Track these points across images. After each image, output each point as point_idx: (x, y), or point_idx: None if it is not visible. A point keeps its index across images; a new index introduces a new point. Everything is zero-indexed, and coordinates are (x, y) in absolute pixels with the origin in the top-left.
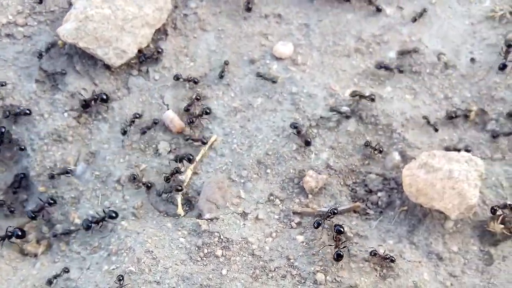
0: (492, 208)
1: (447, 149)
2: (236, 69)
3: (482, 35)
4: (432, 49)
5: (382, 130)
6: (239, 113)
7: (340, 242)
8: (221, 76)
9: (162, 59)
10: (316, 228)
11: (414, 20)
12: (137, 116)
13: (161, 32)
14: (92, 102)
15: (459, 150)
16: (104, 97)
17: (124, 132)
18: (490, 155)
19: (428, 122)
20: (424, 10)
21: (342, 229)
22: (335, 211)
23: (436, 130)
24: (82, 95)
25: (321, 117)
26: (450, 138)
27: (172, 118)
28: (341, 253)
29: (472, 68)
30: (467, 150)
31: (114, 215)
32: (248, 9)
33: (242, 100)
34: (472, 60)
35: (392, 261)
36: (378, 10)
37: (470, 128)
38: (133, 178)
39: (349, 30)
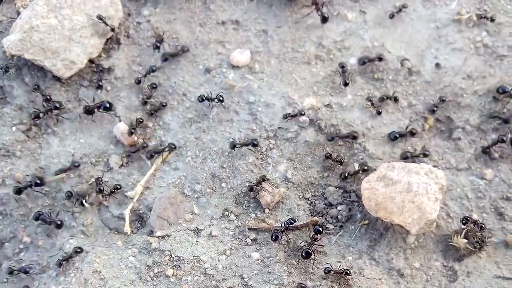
0: (463, 218)
1: (403, 155)
2: (191, 78)
3: (448, 39)
4: (395, 54)
5: (342, 141)
6: (194, 124)
7: (315, 242)
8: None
9: (114, 69)
10: (274, 240)
11: (392, 16)
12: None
13: (113, 41)
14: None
15: (418, 156)
16: (107, 105)
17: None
18: (455, 165)
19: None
20: (404, 6)
21: (321, 230)
22: (292, 221)
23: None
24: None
25: (279, 127)
26: (414, 148)
27: (123, 130)
28: (310, 252)
29: (437, 73)
30: (425, 155)
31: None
32: None
33: (197, 111)
34: (437, 65)
35: (347, 273)
36: (324, 19)
37: (435, 136)
38: (68, 196)
39: (309, 36)
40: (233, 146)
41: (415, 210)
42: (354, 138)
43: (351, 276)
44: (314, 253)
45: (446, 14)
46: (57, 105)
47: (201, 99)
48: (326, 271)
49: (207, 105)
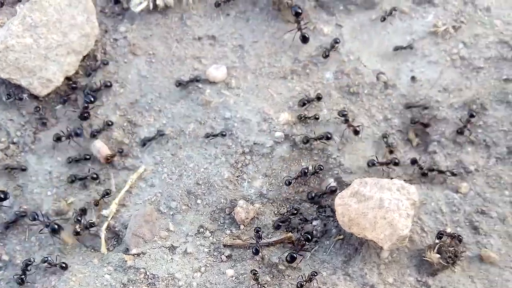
0: (439, 232)
1: (370, 162)
2: (168, 94)
3: (424, 52)
4: (371, 68)
5: (317, 155)
6: (170, 141)
7: (300, 247)
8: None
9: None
10: (255, 254)
11: (383, 19)
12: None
13: (90, 58)
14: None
15: (388, 163)
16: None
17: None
18: (430, 179)
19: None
20: (394, 9)
21: (310, 237)
22: (259, 229)
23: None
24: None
25: (254, 143)
26: (389, 162)
27: (100, 148)
28: (295, 256)
29: (413, 87)
30: (396, 164)
31: None
32: None
33: (174, 127)
34: (413, 78)
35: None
36: (304, 39)
37: (410, 150)
38: (33, 219)
39: (286, 50)
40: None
41: (387, 226)
42: (328, 138)
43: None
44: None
45: (422, 26)
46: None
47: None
48: (298, 286)
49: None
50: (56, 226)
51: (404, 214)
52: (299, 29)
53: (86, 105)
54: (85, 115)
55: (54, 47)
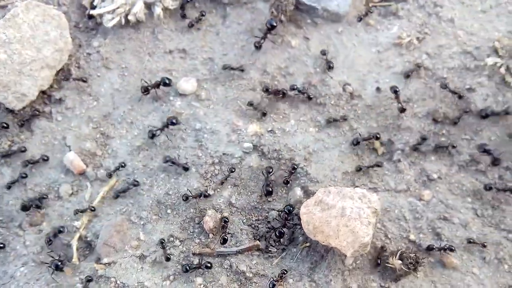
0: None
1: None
2: (140, 106)
3: (389, 63)
4: (337, 79)
5: (285, 165)
6: (142, 152)
7: (286, 222)
8: (109, 175)
9: (65, 99)
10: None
11: (360, 19)
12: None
13: (64, 72)
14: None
15: (373, 166)
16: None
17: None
18: (394, 187)
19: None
20: (369, 11)
21: (291, 209)
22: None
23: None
24: None
25: (223, 153)
26: (354, 170)
27: (72, 160)
28: (283, 231)
29: (377, 97)
30: (358, 169)
31: None
32: None
33: (145, 139)
34: (378, 89)
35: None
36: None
37: (375, 158)
38: None
39: (254, 63)
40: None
41: (349, 234)
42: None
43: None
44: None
45: (387, 38)
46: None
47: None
48: (271, 285)
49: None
50: (59, 263)
51: (365, 222)
52: (263, 38)
53: None
54: None
55: (28, 63)
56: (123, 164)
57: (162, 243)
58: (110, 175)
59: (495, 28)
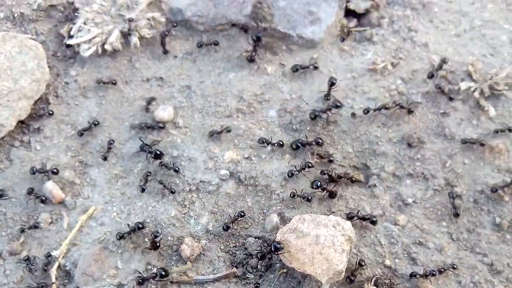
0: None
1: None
2: (118, 135)
3: (364, 89)
4: (312, 106)
5: (261, 191)
6: (120, 180)
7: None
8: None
9: (43, 129)
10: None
11: (343, 40)
12: None
13: (43, 102)
14: None
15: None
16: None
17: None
18: (370, 212)
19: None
20: (314, 66)
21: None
22: None
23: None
24: None
25: (201, 181)
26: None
27: (51, 189)
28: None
29: (353, 123)
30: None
31: None
32: None
33: (123, 167)
34: (353, 114)
35: None
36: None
37: (351, 184)
38: None
39: (231, 90)
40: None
41: (323, 261)
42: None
43: None
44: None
45: (362, 64)
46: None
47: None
48: None
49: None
50: None
51: (339, 249)
52: (254, 50)
53: None
54: None
55: (6, 94)
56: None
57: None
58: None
59: (469, 52)
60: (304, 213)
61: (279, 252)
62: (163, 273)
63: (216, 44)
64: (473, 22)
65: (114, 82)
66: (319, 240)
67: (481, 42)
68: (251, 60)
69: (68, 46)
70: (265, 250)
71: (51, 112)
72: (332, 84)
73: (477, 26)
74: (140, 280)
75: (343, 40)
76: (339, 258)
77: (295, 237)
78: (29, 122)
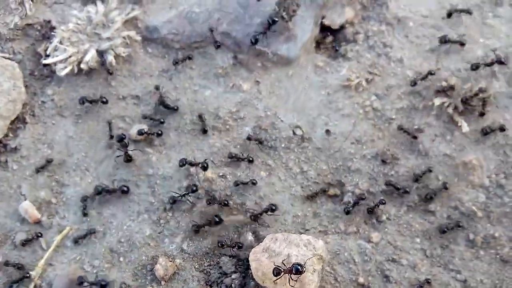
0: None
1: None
2: (94, 154)
3: (338, 105)
4: (287, 123)
5: (236, 209)
6: (96, 198)
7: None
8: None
9: (20, 148)
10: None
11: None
12: None
13: (19, 121)
14: None
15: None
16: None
17: None
18: (343, 229)
19: None
20: (339, 45)
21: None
22: None
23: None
24: None
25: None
26: (304, 213)
27: (27, 209)
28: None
29: (327, 140)
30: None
31: None
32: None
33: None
34: (328, 131)
35: None
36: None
37: (326, 201)
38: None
39: (207, 107)
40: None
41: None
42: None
43: None
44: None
45: (336, 80)
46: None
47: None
48: None
49: None
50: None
51: (310, 269)
52: (263, 33)
53: None
54: None
55: None
56: (93, 230)
57: None
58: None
59: (443, 66)
60: (278, 231)
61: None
62: None
63: (191, 58)
64: (448, 36)
65: (104, 100)
66: (290, 260)
67: (456, 56)
68: (254, 42)
69: (45, 65)
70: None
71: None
72: None
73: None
74: None
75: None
76: (310, 278)
77: (268, 257)
78: (6, 142)
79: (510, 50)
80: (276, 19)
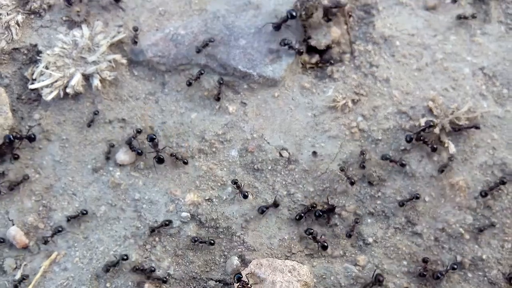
0: None
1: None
2: (81, 178)
3: (324, 127)
4: (274, 145)
5: (222, 234)
6: (83, 223)
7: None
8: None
9: (8, 174)
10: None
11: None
12: None
13: (6, 146)
14: None
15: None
16: None
17: None
18: (330, 252)
19: None
20: (331, 62)
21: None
22: None
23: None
24: None
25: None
26: (291, 236)
27: (15, 235)
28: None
29: (314, 162)
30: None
31: None
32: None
33: (86, 210)
34: (314, 153)
35: None
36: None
37: (313, 223)
38: None
39: (193, 130)
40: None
41: None
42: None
43: None
44: None
45: (322, 101)
46: None
47: None
48: None
49: None
50: None
51: None
52: (278, 25)
53: None
54: None
55: None
56: (60, 229)
57: None
58: (46, 242)
59: (430, 86)
60: (264, 255)
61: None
62: None
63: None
64: (435, 55)
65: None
66: (275, 286)
67: (443, 76)
68: (277, 27)
69: (33, 89)
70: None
71: (16, 156)
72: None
73: (439, 59)
74: None
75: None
76: None
77: (253, 282)
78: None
79: (498, 68)
80: (294, 14)
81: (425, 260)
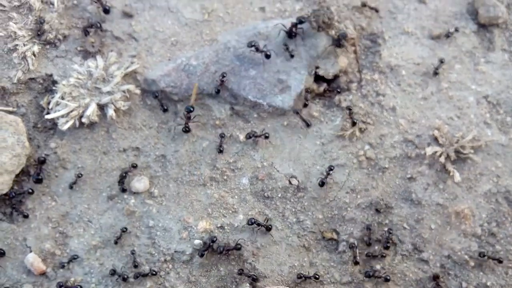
0: None
1: (299, 276)
2: (96, 206)
3: (332, 155)
4: (283, 173)
5: (234, 260)
6: (98, 250)
7: None
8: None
9: (25, 201)
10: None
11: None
12: None
13: (24, 174)
14: None
15: (310, 277)
16: None
17: None
18: (339, 279)
19: None
20: (338, 91)
21: None
22: None
23: None
24: None
25: (175, 251)
26: (301, 263)
27: (32, 262)
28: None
29: (322, 189)
30: (316, 278)
31: None
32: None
33: (101, 237)
34: (322, 182)
35: None
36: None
37: (322, 250)
38: None
39: (205, 158)
40: None
41: None
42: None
43: None
44: None
45: (330, 130)
46: None
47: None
48: None
49: None
50: None
51: None
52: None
53: None
54: None
55: None
56: (75, 256)
57: None
58: (63, 266)
59: (435, 115)
60: (275, 282)
61: None
62: None
63: (267, 137)
64: (440, 84)
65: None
66: None
67: (448, 105)
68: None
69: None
70: None
71: (30, 191)
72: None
73: (444, 88)
74: None
75: (305, 106)
76: None
77: None
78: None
79: (502, 96)
80: (304, 20)
81: (436, 276)
